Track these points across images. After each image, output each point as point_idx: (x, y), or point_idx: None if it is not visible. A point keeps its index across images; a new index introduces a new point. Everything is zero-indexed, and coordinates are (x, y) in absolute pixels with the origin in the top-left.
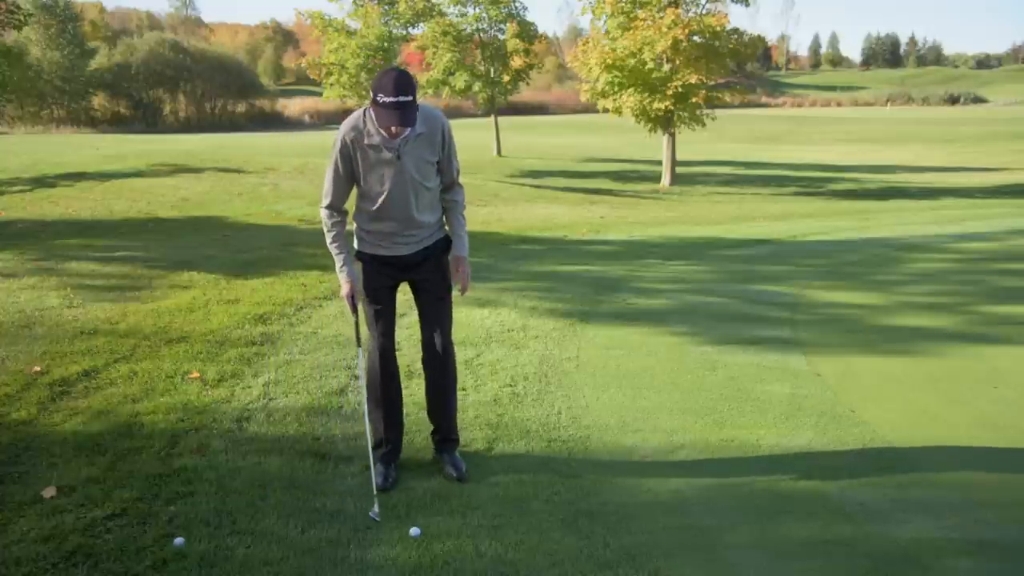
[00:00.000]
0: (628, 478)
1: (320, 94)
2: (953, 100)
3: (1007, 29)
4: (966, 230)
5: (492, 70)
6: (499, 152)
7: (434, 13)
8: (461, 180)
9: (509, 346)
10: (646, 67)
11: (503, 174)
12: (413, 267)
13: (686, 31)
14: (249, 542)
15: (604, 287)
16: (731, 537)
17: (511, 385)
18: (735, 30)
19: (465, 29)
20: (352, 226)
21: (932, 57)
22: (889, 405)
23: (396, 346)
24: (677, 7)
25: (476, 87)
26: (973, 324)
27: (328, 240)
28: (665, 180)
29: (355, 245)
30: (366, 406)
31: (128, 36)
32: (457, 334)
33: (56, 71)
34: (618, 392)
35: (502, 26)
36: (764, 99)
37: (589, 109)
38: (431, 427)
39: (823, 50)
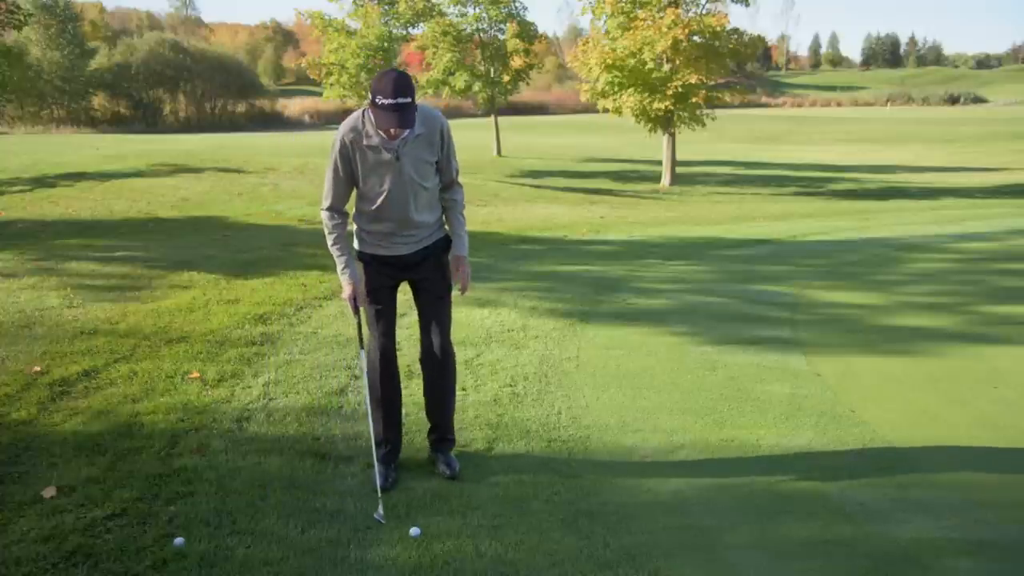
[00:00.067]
0: (628, 478)
1: (320, 94)
2: (953, 100)
3: (1007, 29)
4: (966, 230)
5: (492, 70)
6: (499, 152)
7: (434, 13)
8: (460, 180)
9: (509, 346)
10: (646, 67)
11: (503, 174)
12: (413, 267)
13: (686, 31)
14: (249, 542)
15: (604, 287)
16: (731, 537)
17: (511, 385)
18: (735, 30)
19: (465, 29)
20: (352, 226)
21: (932, 57)
22: (889, 405)
23: (396, 346)
24: (677, 7)
25: (476, 87)
26: (973, 324)
27: (329, 242)
28: (665, 180)
29: (355, 245)
30: (368, 406)
31: (128, 36)
32: (457, 334)
33: (56, 71)
34: (618, 392)
35: (502, 26)
36: (764, 99)
37: (589, 109)
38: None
39: (823, 50)
